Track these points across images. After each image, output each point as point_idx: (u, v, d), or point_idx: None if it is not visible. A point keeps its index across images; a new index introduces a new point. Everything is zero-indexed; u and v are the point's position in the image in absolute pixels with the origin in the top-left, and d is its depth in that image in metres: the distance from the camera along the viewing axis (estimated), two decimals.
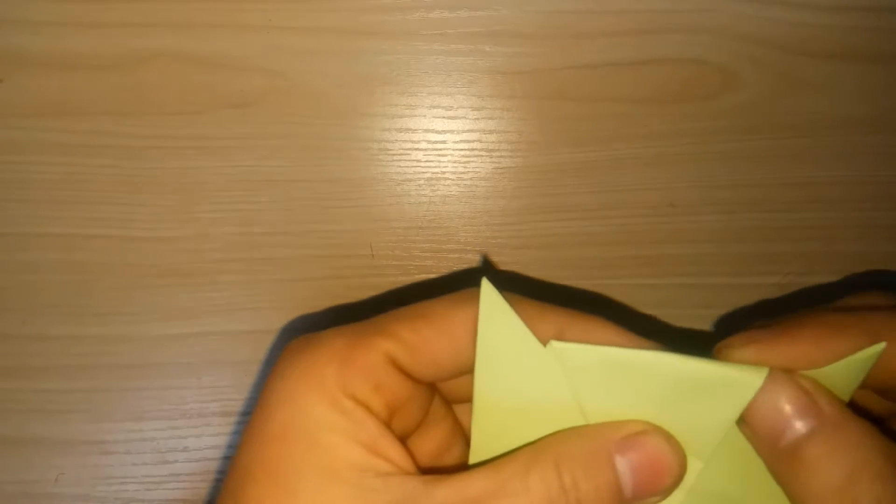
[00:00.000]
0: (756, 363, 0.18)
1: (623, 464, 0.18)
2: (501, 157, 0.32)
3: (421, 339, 0.20)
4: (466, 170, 0.32)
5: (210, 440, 0.33)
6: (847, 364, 0.19)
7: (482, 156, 0.32)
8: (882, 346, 0.18)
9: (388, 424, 0.19)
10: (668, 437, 0.19)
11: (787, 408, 0.18)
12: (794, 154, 0.32)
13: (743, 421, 0.19)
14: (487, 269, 0.32)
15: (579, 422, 0.19)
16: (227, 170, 0.31)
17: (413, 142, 0.31)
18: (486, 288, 0.19)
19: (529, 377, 0.19)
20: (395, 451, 0.18)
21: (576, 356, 0.19)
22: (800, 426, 0.18)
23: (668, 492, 0.19)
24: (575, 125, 0.31)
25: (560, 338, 0.19)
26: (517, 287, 0.21)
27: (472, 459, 0.20)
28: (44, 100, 0.30)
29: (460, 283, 0.21)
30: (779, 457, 0.18)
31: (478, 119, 0.31)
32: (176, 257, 0.32)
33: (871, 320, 0.19)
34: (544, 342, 0.19)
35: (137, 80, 0.30)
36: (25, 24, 0.29)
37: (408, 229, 0.32)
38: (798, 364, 0.19)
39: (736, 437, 0.19)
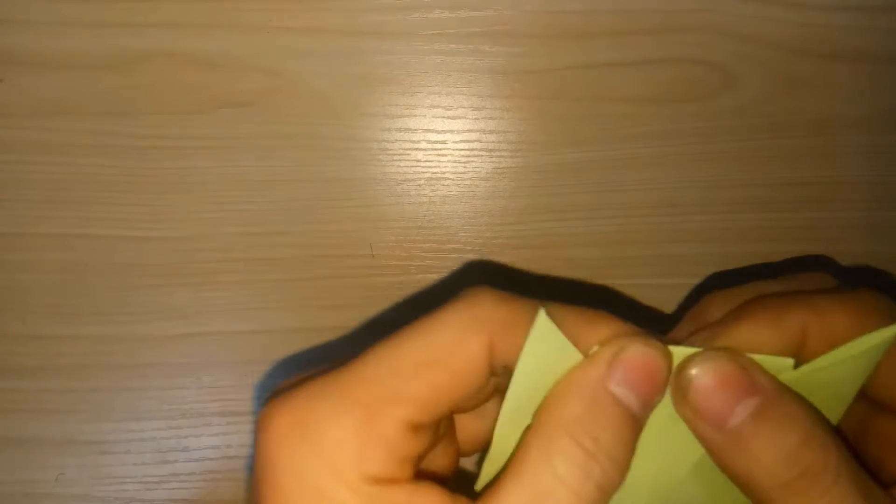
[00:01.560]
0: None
1: (619, 389, 0.18)
2: (501, 157, 0.32)
3: (438, 392, 0.18)
4: (466, 170, 0.32)
5: (210, 440, 0.33)
6: (862, 347, 0.19)
7: (482, 156, 0.32)
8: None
9: (414, 473, 0.18)
10: (641, 338, 0.18)
11: (726, 389, 0.18)
12: (794, 154, 0.32)
13: (684, 404, 0.18)
14: (487, 267, 0.32)
15: None
16: (227, 170, 0.31)
17: (413, 142, 0.31)
18: (542, 319, 0.18)
19: None
20: (429, 498, 0.17)
21: None
22: (741, 408, 0.18)
23: (665, 385, 0.18)
24: (575, 125, 0.31)
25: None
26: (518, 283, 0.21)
27: (487, 467, 0.20)
28: (43, 100, 0.30)
29: (461, 282, 0.21)
30: (726, 442, 0.18)
31: (478, 119, 0.31)
32: (176, 257, 0.31)
33: (818, 300, 0.19)
34: (583, 349, 0.18)
35: (137, 80, 0.30)
36: (25, 24, 0.29)
37: (408, 229, 0.32)
38: (745, 346, 0.18)
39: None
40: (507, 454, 0.19)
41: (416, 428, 0.18)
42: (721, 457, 0.18)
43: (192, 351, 0.32)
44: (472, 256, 0.32)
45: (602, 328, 0.18)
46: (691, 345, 0.19)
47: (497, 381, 0.19)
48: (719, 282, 0.33)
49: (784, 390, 0.18)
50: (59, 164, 0.31)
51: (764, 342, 0.19)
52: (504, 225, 0.32)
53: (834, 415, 0.20)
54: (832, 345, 0.19)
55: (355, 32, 0.30)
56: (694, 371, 0.18)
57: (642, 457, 0.19)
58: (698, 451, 0.19)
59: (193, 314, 0.32)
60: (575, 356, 0.18)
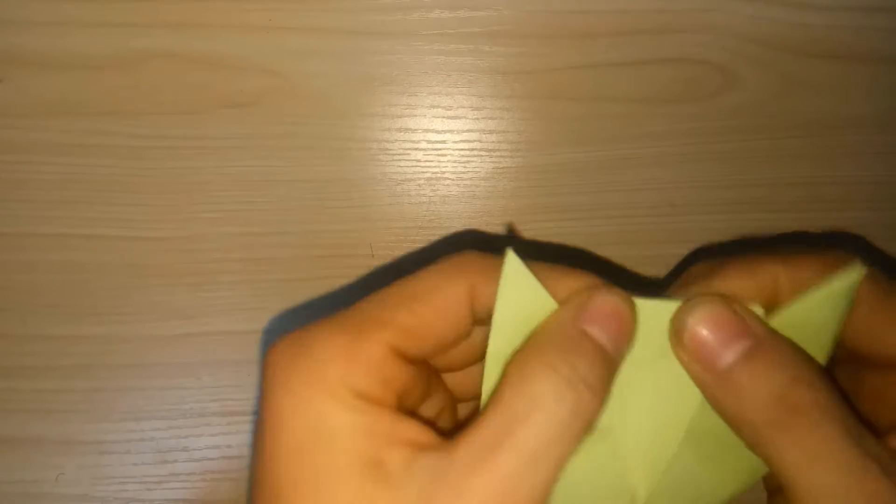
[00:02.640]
0: None
1: (592, 328, 0.19)
2: (501, 157, 0.32)
3: (420, 322, 0.20)
4: (466, 170, 0.32)
5: (210, 440, 0.33)
6: (830, 290, 0.20)
7: (482, 156, 0.32)
8: (861, 269, 0.19)
9: (399, 409, 0.19)
10: (607, 287, 0.20)
11: (719, 331, 0.19)
12: (795, 154, 0.32)
13: (680, 347, 0.20)
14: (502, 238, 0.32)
15: None
16: (227, 170, 0.31)
17: (413, 142, 0.31)
18: (511, 257, 0.20)
19: None
20: (412, 430, 0.18)
21: None
22: (733, 350, 0.19)
23: (633, 332, 0.20)
24: (575, 125, 0.31)
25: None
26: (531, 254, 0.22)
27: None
28: (43, 99, 0.30)
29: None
30: (717, 380, 0.19)
31: (478, 119, 0.31)
32: (176, 257, 0.32)
33: (790, 255, 0.20)
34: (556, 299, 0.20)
35: (137, 80, 0.30)
36: (25, 24, 0.29)
37: (408, 229, 0.32)
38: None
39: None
40: None
41: (399, 354, 0.19)
42: (714, 397, 0.19)
43: (192, 351, 0.32)
44: (464, 229, 0.32)
45: (573, 280, 0.20)
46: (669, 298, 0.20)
47: (485, 336, 0.21)
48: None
49: (774, 334, 0.19)
50: (59, 164, 0.31)
51: (737, 292, 0.20)
52: (504, 225, 0.32)
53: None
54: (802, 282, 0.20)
55: (355, 32, 0.30)
56: (689, 316, 0.19)
57: (636, 421, 0.20)
58: (692, 408, 0.20)
59: (193, 314, 0.32)
60: (549, 302, 0.20)
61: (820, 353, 0.20)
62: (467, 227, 0.32)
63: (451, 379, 0.23)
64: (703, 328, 0.19)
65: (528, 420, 0.17)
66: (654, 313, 0.20)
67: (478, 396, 0.21)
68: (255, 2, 0.30)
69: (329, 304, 0.32)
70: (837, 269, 0.20)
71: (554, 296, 0.20)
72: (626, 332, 0.20)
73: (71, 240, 0.31)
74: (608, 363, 0.19)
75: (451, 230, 0.32)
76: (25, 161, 0.31)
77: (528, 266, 0.20)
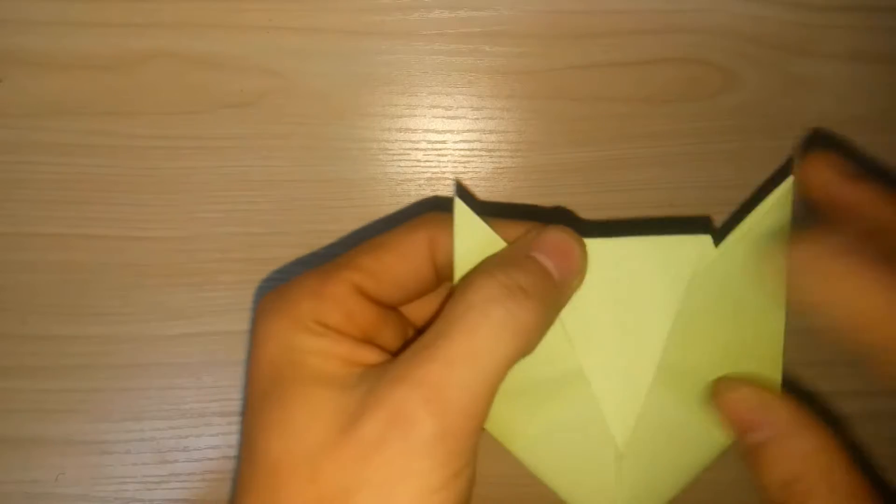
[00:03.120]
0: None
1: (540, 256, 0.21)
2: (501, 157, 0.32)
3: (383, 266, 0.22)
4: (466, 170, 0.32)
5: (210, 440, 0.33)
6: (768, 206, 0.22)
7: (482, 156, 0.32)
8: (790, 179, 0.22)
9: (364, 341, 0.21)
10: (561, 226, 0.22)
11: (751, 417, 0.21)
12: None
13: (715, 399, 0.22)
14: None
15: None
16: (227, 170, 0.31)
17: (413, 142, 0.31)
18: (459, 205, 0.22)
19: None
20: (374, 355, 0.20)
21: None
22: (759, 434, 0.21)
23: (582, 271, 0.22)
24: (575, 125, 0.31)
25: None
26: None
27: None
28: (43, 99, 0.30)
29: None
30: (745, 447, 0.21)
31: (478, 119, 0.31)
32: (176, 257, 0.32)
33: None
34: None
35: (137, 80, 0.30)
36: (25, 24, 0.29)
37: None
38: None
39: (694, 309, 0.22)
40: None
41: (363, 293, 0.21)
42: (742, 450, 0.22)
43: (192, 351, 0.32)
44: (431, 195, 0.32)
45: (525, 228, 0.22)
46: None
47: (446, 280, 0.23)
48: None
49: (791, 421, 0.21)
50: (59, 164, 0.31)
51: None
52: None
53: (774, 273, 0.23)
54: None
55: (355, 32, 0.30)
56: (724, 389, 0.22)
57: (605, 363, 0.22)
58: (659, 344, 0.22)
59: (193, 314, 0.32)
60: (500, 243, 0.22)
61: (779, 254, 0.22)
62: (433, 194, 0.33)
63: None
64: (735, 411, 0.21)
65: (464, 320, 0.19)
66: (614, 252, 0.22)
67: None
68: (255, 2, 0.30)
69: None
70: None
71: (506, 240, 0.22)
72: (572, 264, 0.21)
73: (71, 240, 0.31)
74: (551, 285, 0.20)
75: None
76: (25, 161, 0.31)
77: (478, 214, 0.22)
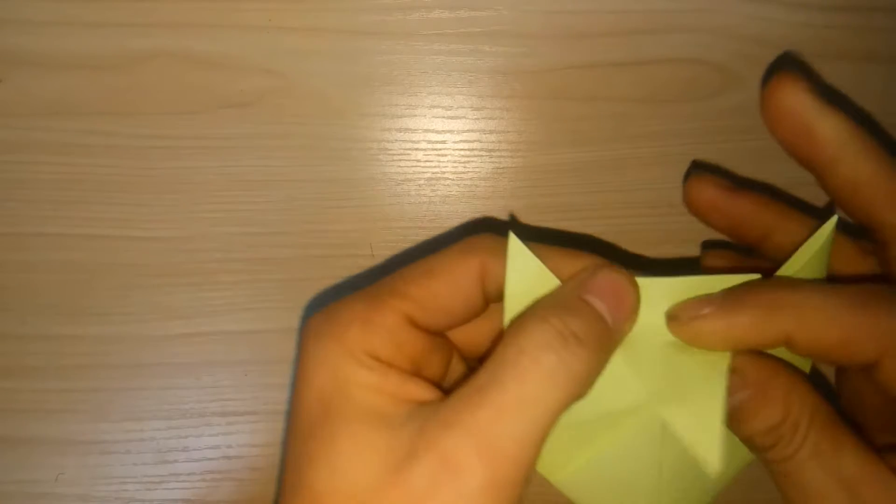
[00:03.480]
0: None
1: (592, 299, 0.20)
2: (501, 157, 0.32)
3: (432, 294, 0.21)
4: (466, 170, 0.32)
5: (210, 440, 0.33)
6: (807, 251, 0.22)
7: (482, 156, 0.32)
8: (834, 219, 0.22)
9: (413, 373, 0.21)
10: (613, 266, 0.21)
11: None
12: None
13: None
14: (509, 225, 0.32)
15: None
16: (227, 170, 0.31)
17: (413, 142, 0.31)
18: (513, 240, 0.21)
19: None
20: (419, 390, 0.20)
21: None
22: (741, 393, 0.21)
23: (635, 312, 0.21)
24: (575, 125, 0.31)
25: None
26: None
27: None
28: (43, 100, 0.30)
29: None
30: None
31: (478, 119, 0.31)
32: (176, 257, 0.32)
33: (805, 304, 0.21)
34: (563, 279, 0.21)
35: (137, 80, 0.30)
36: (25, 24, 0.29)
37: (408, 229, 0.32)
38: (736, 344, 0.21)
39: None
40: None
41: (413, 323, 0.21)
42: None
43: (192, 351, 0.32)
44: (480, 216, 0.32)
45: (577, 260, 0.22)
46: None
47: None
48: None
49: (770, 378, 0.21)
50: (59, 164, 0.31)
51: (751, 341, 0.21)
52: (504, 224, 0.32)
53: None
54: (820, 354, 0.21)
55: (355, 32, 0.30)
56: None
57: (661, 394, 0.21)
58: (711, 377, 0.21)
59: (193, 314, 0.32)
60: (552, 280, 0.21)
61: None
62: (478, 216, 0.32)
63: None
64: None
65: (516, 366, 0.18)
66: (667, 291, 0.21)
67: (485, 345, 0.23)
68: (255, 2, 0.30)
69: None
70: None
71: (558, 275, 0.21)
72: (626, 307, 0.21)
73: (71, 240, 0.31)
74: (604, 330, 0.20)
75: (451, 230, 0.32)
76: (25, 161, 0.31)
77: (531, 248, 0.21)
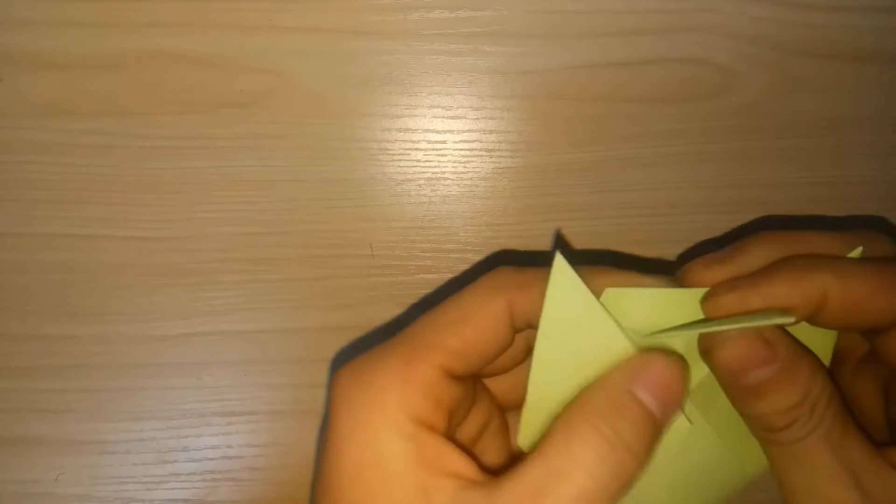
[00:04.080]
0: (736, 309, 0.21)
1: (643, 394, 0.20)
2: (501, 157, 0.32)
3: (466, 342, 0.21)
4: (466, 170, 0.32)
5: (210, 440, 0.33)
6: None
7: (482, 156, 0.32)
8: (859, 249, 0.21)
9: (449, 428, 0.20)
10: (666, 354, 0.20)
11: (750, 359, 0.20)
12: (796, 154, 0.32)
13: (709, 356, 0.21)
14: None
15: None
16: (227, 170, 0.31)
17: (413, 142, 0.31)
18: (559, 261, 0.20)
19: (590, 333, 0.21)
20: (458, 462, 0.19)
21: (629, 299, 0.21)
22: (764, 370, 0.20)
23: (682, 400, 0.20)
24: (575, 125, 0.31)
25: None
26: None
27: (525, 416, 0.22)
28: (43, 100, 0.30)
29: (462, 281, 0.22)
30: (738, 388, 0.21)
31: (478, 119, 0.31)
32: (176, 257, 0.32)
33: (844, 266, 0.20)
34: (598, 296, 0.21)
35: (137, 80, 0.30)
36: (25, 24, 0.29)
37: (408, 229, 0.32)
38: (774, 303, 0.20)
39: None
40: (541, 403, 0.21)
41: (450, 374, 0.20)
42: (731, 396, 0.21)
43: (192, 351, 0.32)
44: (472, 256, 0.32)
45: (610, 276, 0.21)
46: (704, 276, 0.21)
47: (528, 343, 0.22)
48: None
49: (798, 357, 0.20)
50: (59, 164, 0.31)
51: (787, 301, 0.20)
52: (504, 225, 0.32)
53: (822, 347, 0.22)
54: (850, 310, 0.20)
55: (355, 32, 0.30)
56: (718, 339, 0.21)
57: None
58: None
59: (193, 314, 0.32)
60: (596, 307, 0.20)
61: (828, 334, 0.22)
62: (502, 248, 0.33)
63: (495, 385, 0.24)
64: (732, 355, 0.20)
65: (569, 478, 0.18)
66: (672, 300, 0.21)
67: (521, 402, 0.21)
68: (255, 2, 0.30)
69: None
70: (891, 289, 0.20)
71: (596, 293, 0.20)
72: (675, 399, 0.20)
73: (71, 240, 0.31)
74: (653, 428, 0.20)
75: (451, 230, 0.32)
76: (25, 161, 0.31)
77: (577, 270, 0.20)
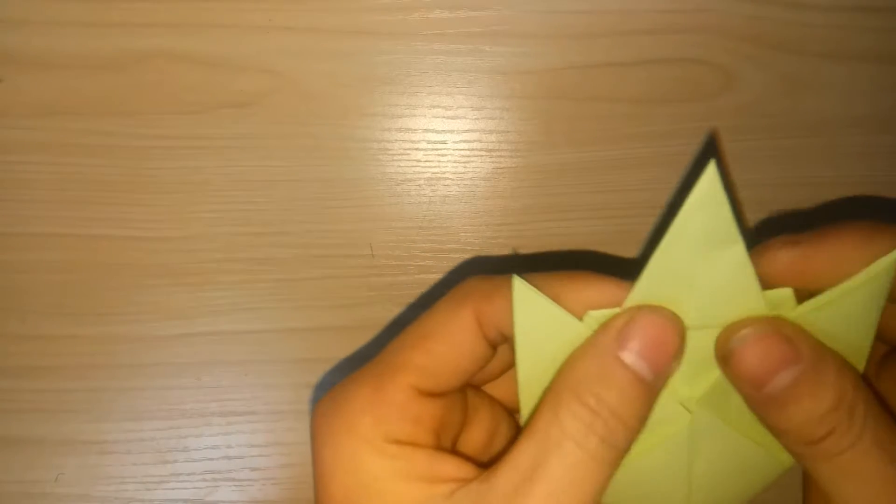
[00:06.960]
0: (798, 267, 0.19)
1: (629, 356, 0.18)
2: (501, 157, 0.32)
3: (435, 359, 0.20)
4: (466, 170, 0.32)
5: (210, 440, 0.33)
6: (861, 280, 0.19)
7: (482, 156, 0.32)
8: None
9: (438, 444, 0.20)
10: (653, 308, 0.19)
11: (771, 361, 0.18)
12: (794, 154, 0.32)
13: (726, 364, 0.19)
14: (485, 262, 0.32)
15: None
16: (227, 170, 0.31)
17: (413, 142, 0.31)
18: (518, 284, 0.20)
19: (567, 342, 0.20)
20: (451, 466, 0.19)
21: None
22: (782, 377, 0.18)
23: (680, 353, 0.19)
24: (575, 125, 0.31)
25: (590, 305, 0.20)
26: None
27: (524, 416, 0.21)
28: (43, 100, 0.30)
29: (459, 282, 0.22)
30: (762, 400, 0.19)
31: (478, 119, 0.31)
32: (176, 257, 0.32)
33: None
34: (573, 312, 0.20)
35: (137, 80, 0.30)
36: (25, 24, 0.29)
37: (408, 229, 0.32)
38: (836, 268, 0.19)
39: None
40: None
41: (423, 393, 0.20)
42: (758, 411, 0.19)
43: (192, 351, 0.32)
44: (472, 256, 0.32)
45: (588, 290, 0.20)
46: (784, 254, 0.19)
47: (511, 345, 0.21)
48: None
49: (821, 353, 0.18)
50: (59, 164, 0.31)
51: (855, 264, 0.19)
52: (504, 225, 0.32)
53: (856, 354, 0.20)
54: None
55: (355, 32, 0.30)
56: (735, 342, 0.19)
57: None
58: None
59: (193, 314, 0.32)
60: (566, 317, 0.19)
61: (862, 341, 0.20)
62: (475, 255, 0.32)
63: (495, 389, 0.24)
64: (751, 358, 0.18)
65: (560, 450, 0.18)
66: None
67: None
68: (255, 2, 0.30)
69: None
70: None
71: (571, 310, 0.19)
72: (669, 359, 0.19)
73: (71, 240, 0.31)
74: (644, 391, 0.19)
75: (451, 230, 0.32)
76: (25, 161, 0.31)
77: (537, 286, 0.20)
